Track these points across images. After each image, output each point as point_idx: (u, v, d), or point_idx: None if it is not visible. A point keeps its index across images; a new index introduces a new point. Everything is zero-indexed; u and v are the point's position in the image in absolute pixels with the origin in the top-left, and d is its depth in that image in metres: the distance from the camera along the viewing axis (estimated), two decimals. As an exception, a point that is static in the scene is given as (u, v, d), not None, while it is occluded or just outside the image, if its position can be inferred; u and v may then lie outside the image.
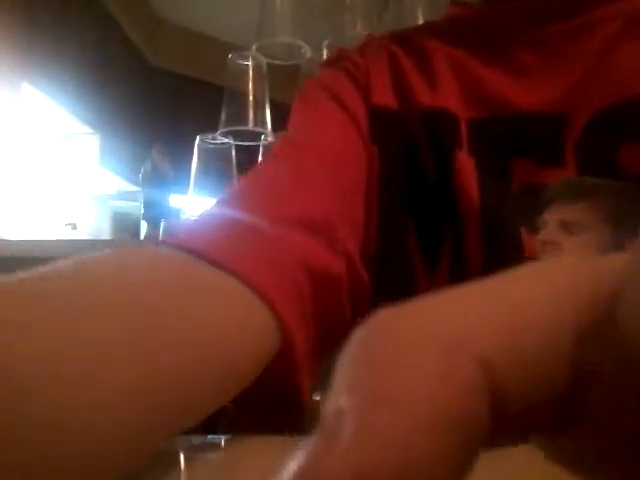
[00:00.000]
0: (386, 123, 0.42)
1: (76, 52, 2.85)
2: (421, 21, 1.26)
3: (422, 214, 0.41)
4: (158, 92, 3.71)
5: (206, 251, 0.30)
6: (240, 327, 0.30)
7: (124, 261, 0.29)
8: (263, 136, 1.32)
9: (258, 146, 1.33)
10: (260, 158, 1.33)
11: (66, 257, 0.28)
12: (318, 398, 1.15)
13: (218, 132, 1.31)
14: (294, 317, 0.32)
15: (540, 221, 0.35)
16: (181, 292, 0.28)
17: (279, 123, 1.37)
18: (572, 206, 0.35)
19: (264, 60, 1.31)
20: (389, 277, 0.40)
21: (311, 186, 0.38)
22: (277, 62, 1.32)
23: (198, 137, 1.32)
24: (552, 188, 0.36)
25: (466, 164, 0.39)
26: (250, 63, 1.30)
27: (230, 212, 0.35)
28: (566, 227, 0.35)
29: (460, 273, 0.37)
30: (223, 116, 1.30)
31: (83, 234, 3.00)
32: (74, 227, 3.06)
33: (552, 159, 0.38)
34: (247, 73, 1.30)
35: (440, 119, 0.41)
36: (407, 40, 0.46)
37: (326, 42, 1.28)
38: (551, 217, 0.35)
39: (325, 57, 1.27)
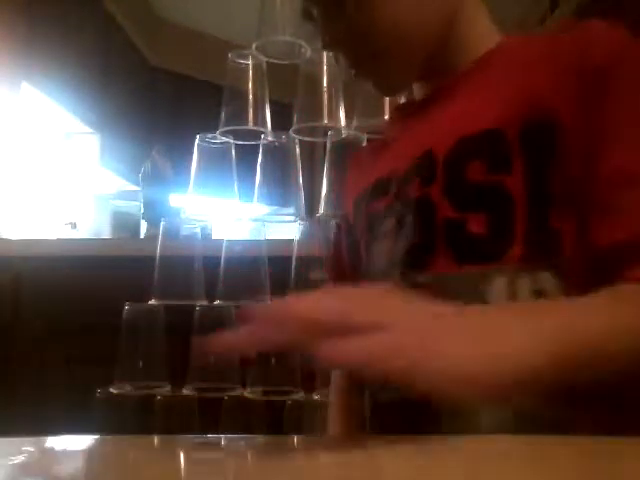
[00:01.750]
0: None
1: (76, 52, 2.85)
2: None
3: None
4: (158, 92, 3.70)
5: None
6: None
7: None
8: (263, 135, 1.31)
9: (258, 145, 1.33)
10: (260, 157, 1.33)
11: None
12: (318, 397, 1.14)
13: (218, 132, 1.31)
14: None
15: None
16: None
17: (279, 122, 1.37)
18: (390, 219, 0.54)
19: (264, 59, 1.30)
20: None
21: None
22: (277, 61, 1.31)
23: (198, 137, 1.32)
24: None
25: None
26: (250, 62, 1.30)
27: None
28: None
29: None
30: (223, 115, 1.30)
31: (83, 233, 3.00)
32: (74, 226, 3.06)
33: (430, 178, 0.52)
34: (247, 72, 1.30)
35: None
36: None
37: (326, 42, 1.27)
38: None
39: (325, 57, 1.27)
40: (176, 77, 3.71)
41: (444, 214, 0.49)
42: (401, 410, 0.50)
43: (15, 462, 0.34)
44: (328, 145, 1.32)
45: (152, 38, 3.83)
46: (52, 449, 0.41)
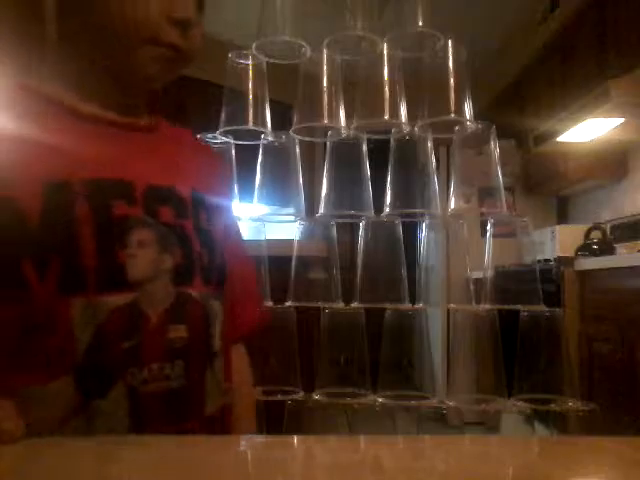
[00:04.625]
0: None
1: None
2: (421, 21, 1.26)
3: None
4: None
5: None
6: None
7: None
8: (263, 135, 1.31)
9: (258, 145, 1.33)
10: (260, 157, 1.33)
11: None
12: (318, 397, 1.15)
13: (218, 131, 1.31)
14: None
15: (127, 240, 0.56)
16: None
17: (279, 122, 1.37)
18: (144, 230, 0.58)
19: (264, 59, 1.31)
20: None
21: None
22: (277, 61, 1.31)
23: (198, 137, 1.32)
24: (133, 219, 0.58)
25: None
26: (250, 62, 1.30)
27: None
28: (141, 244, 0.57)
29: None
30: (223, 115, 1.30)
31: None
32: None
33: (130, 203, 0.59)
34: (247, 72, 1.30)
35: None
36: None
37: (326, 42, 1.28)
38: (133, 238, 0.57)
39: (325, 57, 1.27)
40: (176, 77, 3.71)
41: (196, 248, 0.63)
42: (167, 398, 0.57)
43: None
44: (328, 145, 1.32)
45: (152, 38, 3.82)
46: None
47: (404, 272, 1.28)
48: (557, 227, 3.07)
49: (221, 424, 0.65)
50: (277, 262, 1.24)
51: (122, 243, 0.56)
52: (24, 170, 0.55)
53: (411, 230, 1.35)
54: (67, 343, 0.52)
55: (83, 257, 0.53)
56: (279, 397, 1.15)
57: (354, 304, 1.24)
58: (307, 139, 1.34)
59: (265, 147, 1.32)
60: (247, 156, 1.38)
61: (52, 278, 0.52)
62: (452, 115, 1.22)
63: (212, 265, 0.65)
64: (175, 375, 0.58)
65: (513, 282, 1.49)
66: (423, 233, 1.33)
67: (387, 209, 1.29)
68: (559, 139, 2.89)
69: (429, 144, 1.30)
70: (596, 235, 2.77)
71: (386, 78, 1.27)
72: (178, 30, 0.62)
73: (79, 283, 0.53)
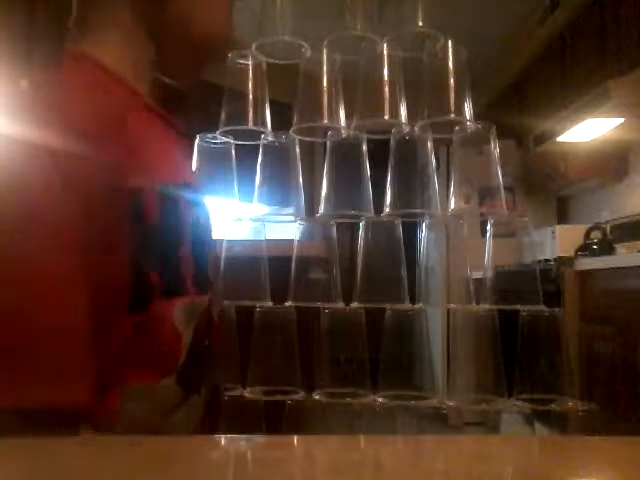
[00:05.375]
0: None
1: (76, 52, 2.85)
2: (421, 21, 1.26)
3: None
4: (158, 92, 3.70)
5: None
6: None
7: None
8: (263, 135, 1.31)
9: (258, 145, 1.33)
10: (260, 157, 1.33)
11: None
12: (318, 397, 1.15)
13: (218, 132, 1.31)
14: None
15: None
16: None
17: (279, 122, 1.37)
18: None
19: (264, 59, 1.30)
20: None
21: None
22: (277, 61, 1.31)
23: (198, 137, 1.32)
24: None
25: None
26: (250, 62, 1.29)
27: None
28: None
29: None
30: (223, 115, 1.30)
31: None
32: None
33: None
34: (247, 72, 1.30)
35: None
36: None
37: (326, 42, 1.28)
38: None
39: (325, 57, 1.27)
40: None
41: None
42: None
43: None
44: (328, 145, 1.32)
45: (152, 38, 3.83)
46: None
47: (404, 272, 1.28)
48: (557, 227, 3.07)
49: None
50: (277, 262, 1.24)
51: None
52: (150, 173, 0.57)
53: (411, 230, 1.35)
54: (173, 343, 0.55)
55: (183, 260, 0.56)
56: (279, 397, 1.15)
57: (354, 304, 1.24)
58: (307, 139, 1.34)
59: (265, 147, 1.32)
60: (247, 156, 1.38)
61: (162, 283, 0.54)
62: (452, 115, 1.22)
63: None
64: None
65: (513, 282, 1.49)
66: (423, 233, 1.33)
67: (387, 209, 1.29)
68: (559, 139, 2.89)
69: (429, 144, 1.30)
70: (596, 235, 2.78)
71: (386, 78, 1.27)
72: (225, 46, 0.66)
73: (182, 286, 0.56)
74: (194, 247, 0.57)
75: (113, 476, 0.33)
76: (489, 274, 1.29)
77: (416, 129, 1.28)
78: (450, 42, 1.26)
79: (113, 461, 0.37)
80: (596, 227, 2.81)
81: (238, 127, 1.29)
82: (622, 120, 2.55)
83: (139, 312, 0.53)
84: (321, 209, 1.30)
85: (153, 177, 0.56)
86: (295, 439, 0.47)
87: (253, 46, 1.27)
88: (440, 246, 1.36)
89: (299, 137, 1.32)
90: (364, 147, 1.31)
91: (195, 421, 0.56)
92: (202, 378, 0.57)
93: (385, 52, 1.28)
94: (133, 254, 0.52)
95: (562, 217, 3.55)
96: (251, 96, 1.29)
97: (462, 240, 1.35)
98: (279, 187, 1.34)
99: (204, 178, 1.30)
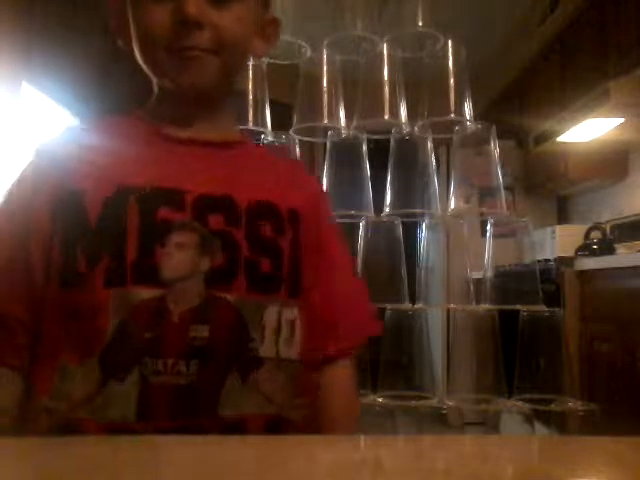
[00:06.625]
0: None
1: (76, 52, 2.85)
2: (421, 21, 1.26)
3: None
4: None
5: None
6: None
7: None
8: (263, 135, 1.31)
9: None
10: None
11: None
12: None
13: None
14: None
15: (166, 241, 0.61)
16: None
17: (279, 122, 1.37)
18: (185, 233, 0.62)
19: (264, 59, 1.31)
20: None
21: None
22: (277, 61, 1.32)
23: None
24: (174, 223, 0.62)
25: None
26: (250, 62, 1.30)
27: None
28: (179, 246, 0.61)
29: None
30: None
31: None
32: (74, 227, 3.05)
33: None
34: (247, 72, 1.30)
35: None
36: None
37: (326, 42, 1.28)
38: (172, 240, 0.61)
39: (325, 57, 1.27)
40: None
41: (245, 254, 0.64)
42: (176, 393, 0.59)
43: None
44: (328, 145, 1.32)
45: (152, 38, 3.83)
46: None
47: (404, 272, 1.28)
48: (557, 227, 3.07)
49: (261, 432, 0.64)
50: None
51: (162, 243, 0.61)
52: (101, 175, 0.64)
53: (411, 230, 1.35)
54: (101, 328, 0.59)
55: (127, 254, 0.60)
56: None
57: (354, 304, 1.23)
58: (307, 139, 1.34)
59: (266, 147, 1.32)
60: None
61: (100, 272, 0.60)
62: (452, 115, 1.23)
63: (267, 273, 0.66)
64: (188, 373, 0.59)
65: (513, 282, 1.49)
66: (423, 233, 1.33)
67: (387, 209, 1.29)
68: (559, 139, 2.89)
69: (429, 144, 1.30)
70: (596, 235, 2.78)
71: (386, 78, 1.27)
72: (187, 32, 0.63)
73: (120, 276, 0.59)
74: (142, 244, 0.61)
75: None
76: (489, 274, 1.29)
77: (416, 129, 1.28)
78: (450, 42, 1.26)
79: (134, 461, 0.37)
80: (596, 227, 2.81)
81: (242, 127, 1.29)
82: (622, 120, 2.55)
83: (67, 292, 0.61)
84: (321, 209, 1.29)
85: (103, 180, 0.63)
86: (295, 439, 0.47)
87: (253, 46, 1.27)
88: (440, 246, 1.36)
89: (299, 137, 1.32)
90: (364, 147, 1.31)
91: (117, 411, 0.57)
92: (127, 368, 0.58)
93: (385, 52, 1.28)
94: (70, 239, 0.61)
95: (562, 217, 3.55)
96: (251, 96, 1.29)
97: (462, 240, 1.35)
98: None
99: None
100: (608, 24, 2.60)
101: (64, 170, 0.65)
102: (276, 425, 0.64)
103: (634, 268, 1.96)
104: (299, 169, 0.88)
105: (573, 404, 1.15)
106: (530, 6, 3.55)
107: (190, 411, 0.60)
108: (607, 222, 2.95)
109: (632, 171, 2.91)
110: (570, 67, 2.98)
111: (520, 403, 1.17)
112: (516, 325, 1.23)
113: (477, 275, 1.30)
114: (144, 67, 0.71)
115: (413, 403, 1.16)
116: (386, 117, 1.25)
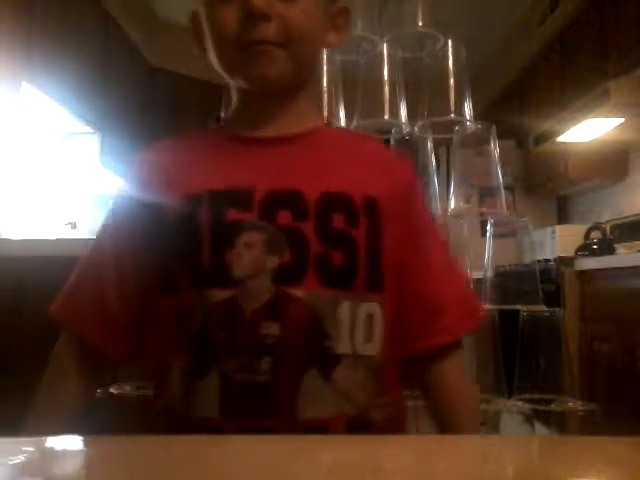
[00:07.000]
0: None
1: (76, 52, 2.85)
2: (421, 21, 1.26)
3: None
4: (158, 92, 3.70)
5: None
6: None
7: None
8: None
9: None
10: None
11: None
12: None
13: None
14: None
15: (235, 242, 0.62)
16: None
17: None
18: (252, 233, 0.63)
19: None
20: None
21: None
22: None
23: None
24: (242, 223, 0.63)
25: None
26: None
27: None
28: (247, 245, 0.62)
29: None
30: (223, 115, 1.30)
31: (83, 233, 3.00)
32: (74, 226, 3.06)
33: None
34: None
35: None
36: None
37: (326, 42, 1.27)
38: (241, 240, 0.62)
39: (325, 57, 1.27)
40: (176, 77, 3.71)
41: (315, 249, 0.63)
42: (253, 391, 0.60)
43: (15, 462, 0.34)
44: (328, 145, 1.32)
45: (152, 38, 3.83)
46: (52, 449, 0.41)
47: (404, 272, 1.28)
48: (557, 227, 3.07)
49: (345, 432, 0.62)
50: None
51: (232, 245, 0.62)
52: (178, 183, 0.67)
53: (411, 230, 1.35)
54: (185, 330, 0.63)
55: (201, 258, 0.63)
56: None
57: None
58: (307, 139, 1.34)
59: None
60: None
61: (183, 276, 0.64)
62: (452, 115, 1.23)
63: (340, 266, 0.64)
64: (262, 370, 0.60)
65: (513, 282, 1.49)
66: (423, 233, 1.32)
67: (387, 209, 1.29)
68: (559, 139, 2.89)
69: (429, 144, 1.30)
70: (596, 235, 2.78)
71: (386, 78, 1.27)
72: (254, 25, 0.63)
73: (198, 280, 0.63)
74: (214, 245, 0.63)
75: (116, 476, 0.33)
76: (489, 274, 1.29)
77: (416, 129, 1.28)
78: (450, 42, 1.26)
79: (111, 460, 0.37)
80: (596, 227, 2.81)
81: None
82: (622, 120, 2.55)
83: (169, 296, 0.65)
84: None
85: (180, 187, 0.66)
86: (294, 439, 0.47)
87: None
88: (440, 246, 1.35)
89: (299, 137, 1.32)
90: (364, 147, 1.31)
91: (201, 408, 0.61)
92: (206, 367, 0.61)
93: (385, 52, 1.28)
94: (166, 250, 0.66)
95: (562, 217, 3.55)
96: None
97: (462, 240, 1.35)
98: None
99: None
100: (608, 24, 2.60)
101: (145, 185, 0.70)
102: (358, 426, 0.62)
103: (634, 268, 1.96)
104: (386, 153, 0.86)
105: (573, 404, 1.15)
106: (530, 6, 3.56)
107: (270, 410, 0.60)
108: (607, 222, 2.95)
109: (632, 171, 2.91)
110: (570, 67, 2.98)
111: (520, 403, 1.17)
112: (516, 325, 1.24)
113: (477, 275, 1.30)
114: (221, 72, 0.71)
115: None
116: (386, 117, 1.25)
